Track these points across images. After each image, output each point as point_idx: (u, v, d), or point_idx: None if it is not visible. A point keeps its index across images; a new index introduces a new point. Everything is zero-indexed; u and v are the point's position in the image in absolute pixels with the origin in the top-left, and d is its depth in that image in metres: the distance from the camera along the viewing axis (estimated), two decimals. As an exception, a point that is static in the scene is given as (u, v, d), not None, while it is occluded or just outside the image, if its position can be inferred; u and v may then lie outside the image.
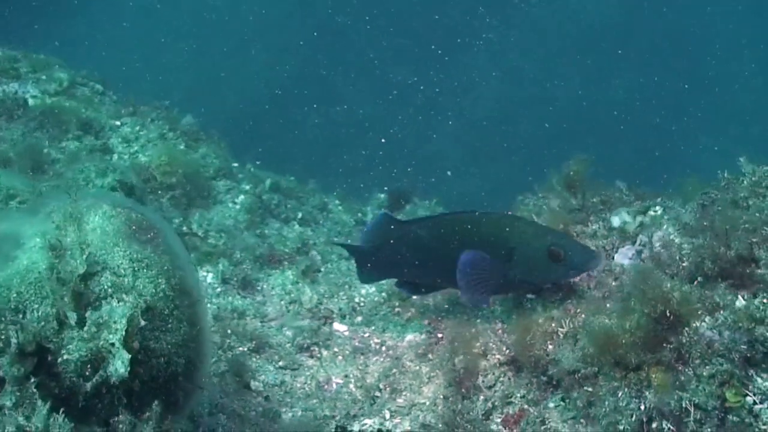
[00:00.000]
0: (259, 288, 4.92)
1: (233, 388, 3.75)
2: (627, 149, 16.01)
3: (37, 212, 2.54)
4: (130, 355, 2.31)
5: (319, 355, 4.28)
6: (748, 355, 2.61)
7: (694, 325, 2.72)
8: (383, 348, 4.40)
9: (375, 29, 18.14)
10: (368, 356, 4.27)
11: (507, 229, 3.74)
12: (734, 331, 2.64)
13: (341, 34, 18.31)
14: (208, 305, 4.60)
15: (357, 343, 4.45)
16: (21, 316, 2.25)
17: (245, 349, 4.14)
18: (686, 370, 2.69)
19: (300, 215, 6.18)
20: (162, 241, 2.55)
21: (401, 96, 17.22)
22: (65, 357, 2.27)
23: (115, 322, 2.26)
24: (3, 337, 2.19)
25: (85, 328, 2.25)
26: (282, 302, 4.79)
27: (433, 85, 17.58)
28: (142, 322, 2.29)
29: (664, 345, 2.77)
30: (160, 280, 2.44)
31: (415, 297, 4.48)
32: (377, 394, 3.87)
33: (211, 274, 4.92)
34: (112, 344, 2.29)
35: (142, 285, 2.40)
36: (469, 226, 3.81)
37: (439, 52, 17.71)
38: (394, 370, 4.01)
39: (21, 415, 2.13)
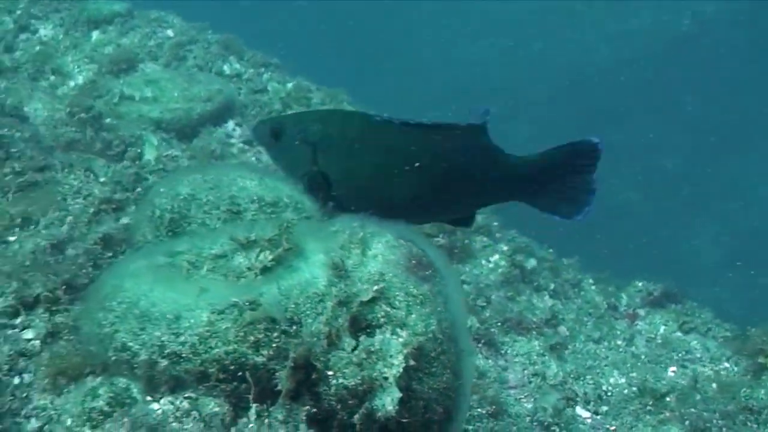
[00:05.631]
0: (502, 352, 4.73)
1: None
2: None
3: (322, 228, 2.54)
4: (400, 394, 2.20)
5: (558, 437, 4.02)
6: None
7: None
8: (628, 446, 4.07)
9: (645, 110, 17.57)
10: (610, 450, 3.96)
11: None
12: None
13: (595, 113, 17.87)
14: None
15: (600, 434, 4.15)
16: (294, 328, 2.23)
17: (483, 411, 3.97)
18: None
19: (552, 286, 5.92)
20: (438, 281, 2.45)
21: (666, 184, 16.43)
22: (339, 381, 2.19)
23: (391, 356, 2.16)
24: (280, 346, 2.17)
25: (356, 353, 2.18)
26: (525, 372, 4.57)
27: (703, 181, 16.63)
28: (412, 362, 2.18)
29: None
30: (431, 320, 2.33)
31: None
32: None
33: (457, 328, 4.80)
34: (386, 378, 2.19)
35: (414, 322, 2.30)
36: None
37: (714, 145, 16.80)
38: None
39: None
